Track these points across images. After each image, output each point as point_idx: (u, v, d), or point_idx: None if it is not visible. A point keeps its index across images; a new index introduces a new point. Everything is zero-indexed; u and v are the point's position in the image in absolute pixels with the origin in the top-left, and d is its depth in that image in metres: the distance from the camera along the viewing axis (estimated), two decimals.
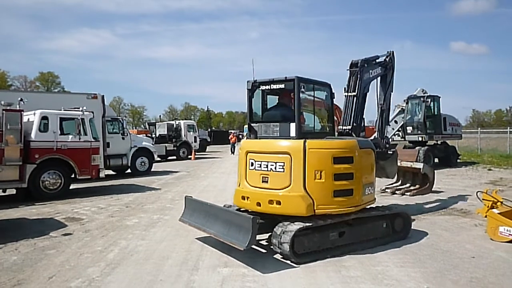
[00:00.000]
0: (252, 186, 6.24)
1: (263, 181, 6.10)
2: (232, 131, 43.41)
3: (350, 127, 7.68)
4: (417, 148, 17.70)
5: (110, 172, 17.50)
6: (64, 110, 12.16)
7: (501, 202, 7.00)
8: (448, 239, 6.84)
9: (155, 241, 6.94)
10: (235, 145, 32.98)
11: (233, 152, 32.61)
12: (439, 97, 19.82)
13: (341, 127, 7.88)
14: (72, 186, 12.36)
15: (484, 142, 28.21)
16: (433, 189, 10.62)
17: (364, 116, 8.08)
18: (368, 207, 6.65)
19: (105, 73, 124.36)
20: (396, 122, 19.25)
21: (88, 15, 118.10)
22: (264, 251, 6.23)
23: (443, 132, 19.79)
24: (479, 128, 31.48)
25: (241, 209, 6.48)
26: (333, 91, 6.82)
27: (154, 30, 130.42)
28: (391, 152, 8.74)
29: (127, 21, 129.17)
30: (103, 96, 15.44)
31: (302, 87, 6.10)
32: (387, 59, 8.78)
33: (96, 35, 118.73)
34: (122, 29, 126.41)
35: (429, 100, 19.09)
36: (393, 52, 8.92)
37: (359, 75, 7.84)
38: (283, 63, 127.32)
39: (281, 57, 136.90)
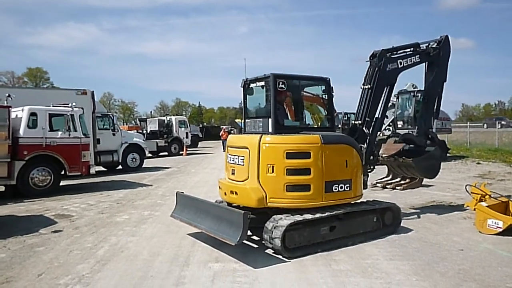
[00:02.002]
0: (228, 178, 6.69)
1: (232, 173, 6.55)
2: (224, 127, 42.53)
3: (361, 121, 7.33)
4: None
5: (101, 168, 17.38)
6: (53, 106, 12.04)
7: (489, 195, 7.09)
8: (437, 232, 6.92)
9: (145, 237, 6.93)
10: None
11: (224, 149, 30.85)
12: None
13: (353, 121, 7.71)
14: (62, 183, 12.26)
15: (473, 136, 28.48)
16: (422, 183, 10.72)
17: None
18: (359, 201, 6.68)
19: (93, 68, 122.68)
20: (386, 116, 19.34)
21: (73, 9, 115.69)
22: (255, 246, 6.25)
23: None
24: (468, 122, 31.77)
25: (232, 205, 6.51)
26: (332, 86, 6.74)
27: (140, 25, 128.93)
28: (429, 150, 8.32)
29: (113, 16, 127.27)
30: (92, 92, 15.27)
31: (279, 83, 6.16)
32: (429, 46, 8.15)
33: (82, 30, 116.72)
34: (108, 24, 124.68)
35: (419, 94, 19.09)
36: (446, 37, 8.28)
37: (377, 67, 7.40)
38: (273, 58, 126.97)
39: (271, 53, 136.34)
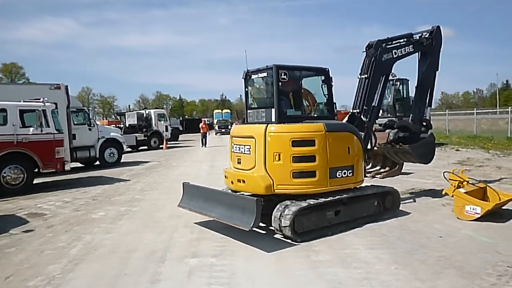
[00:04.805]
0: (233, 167, 6.80)
1: (238, 162, 6.66)
2: (205, 119, 41.20)
3: (359, 110, 7.52)
4: (387, 131, 17.90)
5: (78, 164, 16.98)
6: (24, 102, 11.62)
7: (467, 182, 7.11)
8: (417, 219, 6.91)
9: (121, 234, 6.72)
10: (207, 135, 28.66)
11: (204, 144, 27.15)
12: (408, 80, 19.97)
13: (351, 110, 7.85)
14: (37, 181, 11.90)
15: (452, 123, 28.93)
16: (402, 171, 10.75)
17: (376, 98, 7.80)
18: (358, 187, 6.85)
19: (72, 63, 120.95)
20: None
21: (49, 3, 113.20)
22: (234, 240, 6.12)
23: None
24: (447, 110, 32.22)
25: (239, 192, 6.62)
26: (331, 76, 6.83)
27: (119, 18, 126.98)
28: (424, 136, 8.66)
29: (91, 9, 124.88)
30: (66, 86, 14.85)
31: (281, 74, 6.26)
32: (422, 37, 8.34)
33: (59, 24, 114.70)
34: (86, 17, 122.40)
35: (398, 83, 19.24)
36: (437, 28, 8.48)
37: (374, 57, 7.55)
38: (255, 50, 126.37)
39: (252, 44, 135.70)
